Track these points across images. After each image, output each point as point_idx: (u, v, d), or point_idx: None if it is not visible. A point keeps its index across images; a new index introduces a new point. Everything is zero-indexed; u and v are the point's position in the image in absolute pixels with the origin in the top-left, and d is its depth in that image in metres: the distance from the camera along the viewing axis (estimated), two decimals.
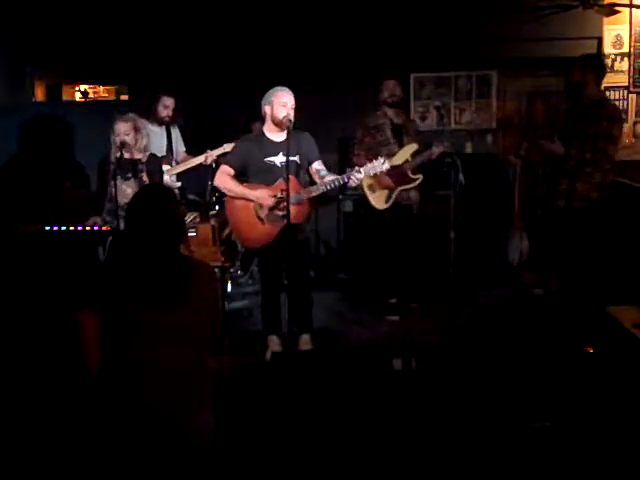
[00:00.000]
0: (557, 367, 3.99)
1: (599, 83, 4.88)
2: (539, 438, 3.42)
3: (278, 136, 4.36)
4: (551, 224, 4.91)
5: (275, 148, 4.32)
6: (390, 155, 5.17)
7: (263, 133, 4.45)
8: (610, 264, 4.94)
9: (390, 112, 5.40)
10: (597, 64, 4.93)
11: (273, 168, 4.33)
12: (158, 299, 2.45)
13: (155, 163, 4.79)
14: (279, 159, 4.30)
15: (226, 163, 4.48)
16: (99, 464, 2.48)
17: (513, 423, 3.55)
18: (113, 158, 4.56)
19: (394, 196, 5.32)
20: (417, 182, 5.32)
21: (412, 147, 5.32)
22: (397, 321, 5.29)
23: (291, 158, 4.27)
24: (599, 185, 4.74)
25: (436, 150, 5.22)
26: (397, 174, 5.23)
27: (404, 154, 5.29)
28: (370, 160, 4.43)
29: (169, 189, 2.88)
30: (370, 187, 5.34)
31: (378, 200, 5.38)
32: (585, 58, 4.93)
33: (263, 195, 4.33)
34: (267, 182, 4.35)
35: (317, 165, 4.44)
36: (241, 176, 4.49)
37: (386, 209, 5.35)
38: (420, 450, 3.40)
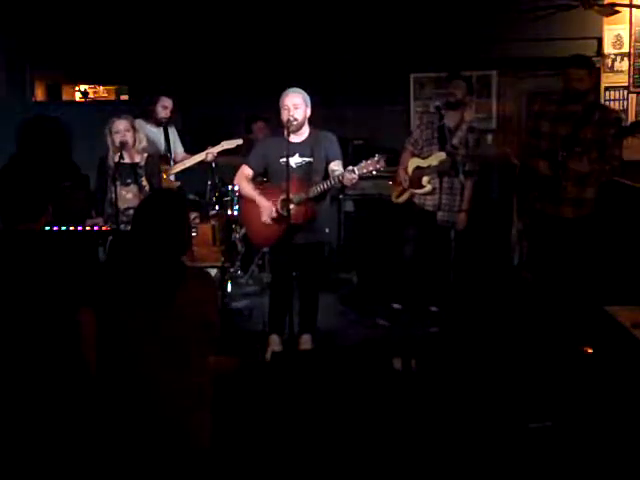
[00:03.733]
0: (556, 367, 3.99)
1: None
2: (539, 438, 3.42)
3: (296, 137, 4.38)
4: (557, 234, 4.72)
5: (291, 149, 4.32)
6: (425, 156, 5.14)
7: (284, 134, 4.47)
8: (611, 265, 4.94)
9: (447, 112, 5.12)
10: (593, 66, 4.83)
11: (287, 169, 4.34)
12: (155, 303, 2.45)
13: (154, 164, 4.80)
14: (294, 160, 4.33)
15: (246, 163, 4.58)
16: (97, 464, 2.48)
17: (513, 423, 3.55)
18: (112, 162, 4.56)
19: (405, 196, 5.25)
20: (423, 190, 5.13)
21: (440, 156, 5.07)
22: (387, 326, 5.26)
23: (305, 159, 4.35)
24: (599, 188, 4.69)
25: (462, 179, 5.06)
26: (415, 176, 5.16)
27: (431, 160, 5.11)
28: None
29: (182, 196, 2.87)
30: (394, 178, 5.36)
31: (393, 192, 5.39)
32: (587, 61, 4.72)
33: (266, 209, 4.40)
34: (283, 182, 4.35)
35: (333, 165, 4.41)
36: (263, 176, 4.62)
37: (410, 210, 5.28)
38: (420, 450, 3.40)
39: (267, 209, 4.40)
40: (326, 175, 4.41)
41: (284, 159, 4.32)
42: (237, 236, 6.06)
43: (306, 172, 4.36)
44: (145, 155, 4.72)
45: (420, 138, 5.20)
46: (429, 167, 5.12)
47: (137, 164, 4.66)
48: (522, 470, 3.23)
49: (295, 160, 4.34)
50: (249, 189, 4.51)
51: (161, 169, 5.04)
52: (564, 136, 4.59)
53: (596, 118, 4.56)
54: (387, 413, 3.68)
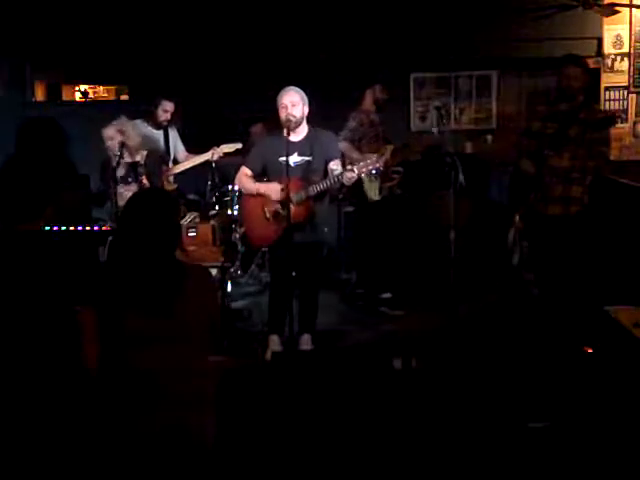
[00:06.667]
0: (556, 367, 3.99)
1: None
2: (539, 438, 3.42)
3: (295, 136, 4.38)
4: (546, 232, 4.75)
5: (290, 148, 4.31)
6: (381, 151, 5.30)
7: (282, 133, 4.47)
8: (610, 264, 4.94)
9: (375, 115, 5.55)
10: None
11: (287, 168, 4.33)
12: (155, 303, 2.45)
13: (154, 162, 4.82)
14: (292, 159, 4.32)
15: (244, 164, 4.59)
16: (98, 464, 2.48)
17: (513, 423, 3.55)
18: (114, 163, 4.59)
19: (385, 189, 5.46)
20: (398, 179, 5.59)
21: (389, 147, 5.46)
22: (400, 315, 5.30)
23: (304, 158, 4.35)
24: (589, 187, 4.70)
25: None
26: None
27: (385, 153, 5.36)
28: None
29: (166, 193, 2.88)
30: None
31: (373, 189, 5.48)
32: (581, 60, 4.71)
33: (274, 188, 4.37)
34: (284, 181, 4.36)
35: (332, 164, 4.41)
36: (262, 176, 4.59)
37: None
38: (420, 450, 3.40)
39: (274, 189, 4.36)
40: (325, 174, 4.41)
41: (283, 158, 4.32)
42: (237, 236, 6.06)
43: (305, 171, 4.35)
44: (144, 154, 4.74)
45: (359, 134, 5.45)
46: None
47: (137, 162, 4.69)
48: (522, 470, 3.23)
49: (294, 159, 4.34)
50: (251, 185, 4.51)
51: (162, 168, 5.06)
52: (551, 134, 4.63)
53: (582, 117, 4.59)
54: (387, 413, 3.68)
